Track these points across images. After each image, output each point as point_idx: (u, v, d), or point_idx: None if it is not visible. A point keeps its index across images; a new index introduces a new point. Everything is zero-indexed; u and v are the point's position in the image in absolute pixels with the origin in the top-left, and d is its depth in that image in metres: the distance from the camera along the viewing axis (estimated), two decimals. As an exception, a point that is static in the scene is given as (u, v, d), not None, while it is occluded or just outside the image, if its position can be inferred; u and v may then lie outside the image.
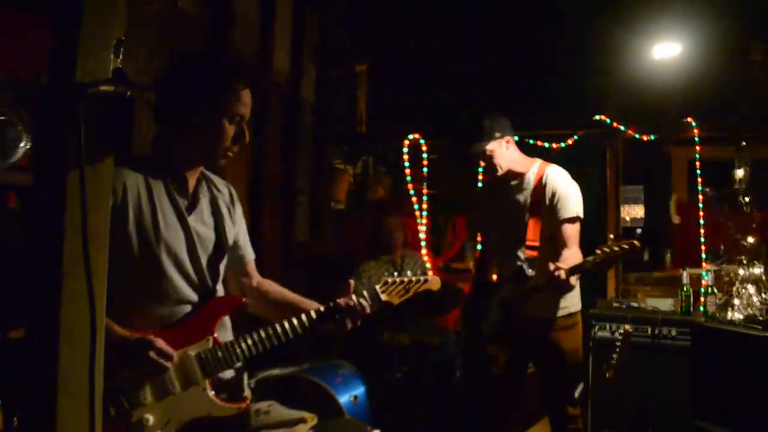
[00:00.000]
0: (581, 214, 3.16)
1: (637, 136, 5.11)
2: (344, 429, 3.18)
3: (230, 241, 2.06)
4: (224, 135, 1.87)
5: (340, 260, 5.57)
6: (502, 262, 3.41)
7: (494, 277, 3.56)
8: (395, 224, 4.77)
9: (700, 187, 5.06)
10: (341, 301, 2.06)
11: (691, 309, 4.16)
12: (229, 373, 2.00)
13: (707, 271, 4.32)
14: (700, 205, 5.00)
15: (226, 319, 2.05)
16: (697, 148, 5.02)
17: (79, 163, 1.29)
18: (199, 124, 1.86)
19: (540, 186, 3.19)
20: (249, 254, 2.20)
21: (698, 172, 5.08)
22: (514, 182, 3.30)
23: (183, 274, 1.90)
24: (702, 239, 4.94)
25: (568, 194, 3.15)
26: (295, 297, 2.19)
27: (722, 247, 4.61)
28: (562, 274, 2.81)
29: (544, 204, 3.16)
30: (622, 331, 3.07)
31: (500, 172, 3.23)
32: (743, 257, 4.22)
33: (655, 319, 3.98)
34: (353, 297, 2.08)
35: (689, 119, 4.97)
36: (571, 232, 3.12)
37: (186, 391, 1.86)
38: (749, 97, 4.72)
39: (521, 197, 3.25)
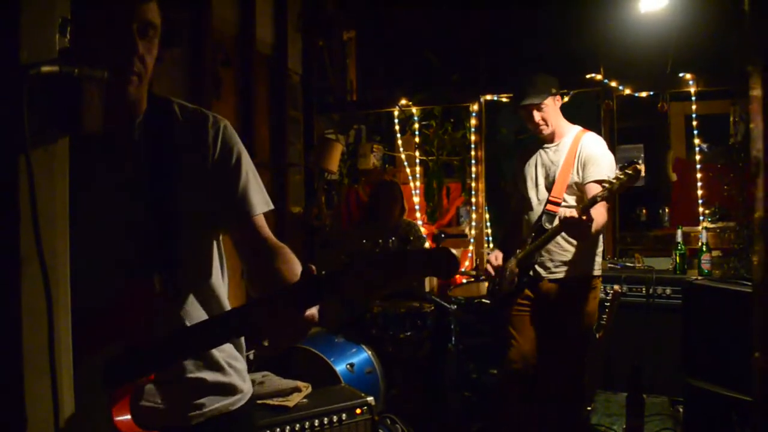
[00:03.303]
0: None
1: (629, 92, 5.04)
2: (338, 396, 3.19)
3: (198, 191, 1.52)
4: (122, 46, 1.40)
5: (335, 231, 5.58)
6: (527, 221, 3.53)
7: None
8: (394, 194, 4.74)
9: (697, 143, 5.01)
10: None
11: (686, 267, 4.14)
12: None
13: (703, 228, 4.29)
14: (698, 164, 4.95)
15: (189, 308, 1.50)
16: (693, 105, 4.95)
17: (24, 147, 1.26)
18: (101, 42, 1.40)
19: (575, 148, 3.36)
20: (252, 208, 1.56)
21: (695, 128, 5.03)
22: (553, 144, 3.47)
23: (102, 250, 1.44)
24: (699, 197, 4.90)
25: (601, 158, 3.32)
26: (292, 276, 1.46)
27: (717, 203, 4.58)
28: (573, 212, 2.95)
29: (574, 164, 3.34)
30: (611, 291, 3.06)
31: (547, 130, 3.42)
32: (740, 214, 4.19)
33: (649, 279, 3.99)
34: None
35: (686, 75, 4.89)
36: (591, 192, 3.24)
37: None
38: (743, 48, 4.61)
39: (556, 157, 3.42)
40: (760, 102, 0.74)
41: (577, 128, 3.50)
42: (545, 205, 3.37)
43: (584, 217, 2.96)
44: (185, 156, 1.52)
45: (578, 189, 3.35)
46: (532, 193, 3.48)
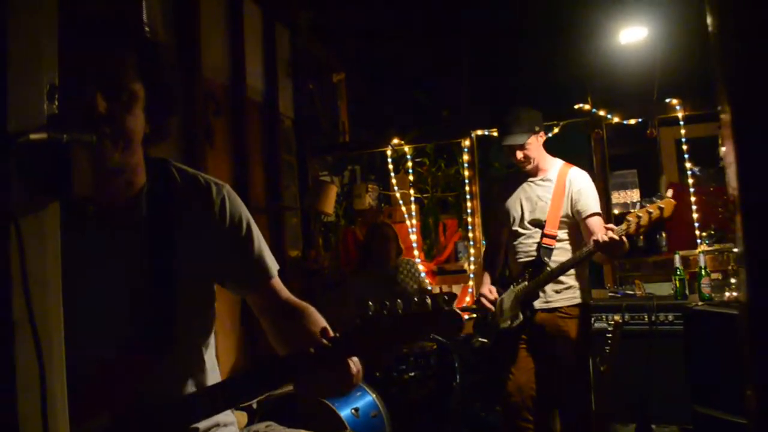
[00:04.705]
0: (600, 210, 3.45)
1: (617, 120, 5.10)
2: (343, 444, 3.16)
3: (200, 260, 1.51)
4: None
5: (334, 273, 5.57)
6: (516, 255, 3.52)
7: (507, 272, 3.66)
8: (387, 236, 4.74)
9: (688, 167, 5.05)
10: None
11: (687, 292, 4.13)
12: None
13: (701, 252, 4.28)
14: (691, 188, 4.98)
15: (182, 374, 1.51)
16: (682, 129, 5.00)
17: (14, 214, 1.27)
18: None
19: (564, 183, 3.41)
20: (269, 271, 1.61)
21: (685, 152, 5.07)
22: (537, 177, 3.51)
23: (93, 318, 1.40)
24: (695, 220, 4.91)
25: (592, 193, 3.42)
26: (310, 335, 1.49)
27: (713, 226, 4.58)
28: (613, 235, 2.99)
29: (567, 200, 3.39)
30: (612, 322, 3.05)
31: (530, 166, 3.47)
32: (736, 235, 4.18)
33: (651, 306, 3.96)
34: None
35: (673, 100, 4.95)
36: (598, 224, 3.34)
37: None
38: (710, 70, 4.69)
39: (543, 192, 3.46)
40: (730, 127, 0.75)
41: (560, 162, 3.55)
42: (540, 239, 3.39)
43: (623, 238, 3.02)
44: (191, 227, 1.51)
45: (569, 222, 3.41)
46: (516, 226, 3.52)
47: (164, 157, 1.58)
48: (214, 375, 1.59)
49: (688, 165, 5.05)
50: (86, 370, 1.34)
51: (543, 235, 3.39)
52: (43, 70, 1.40)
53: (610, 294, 4.42)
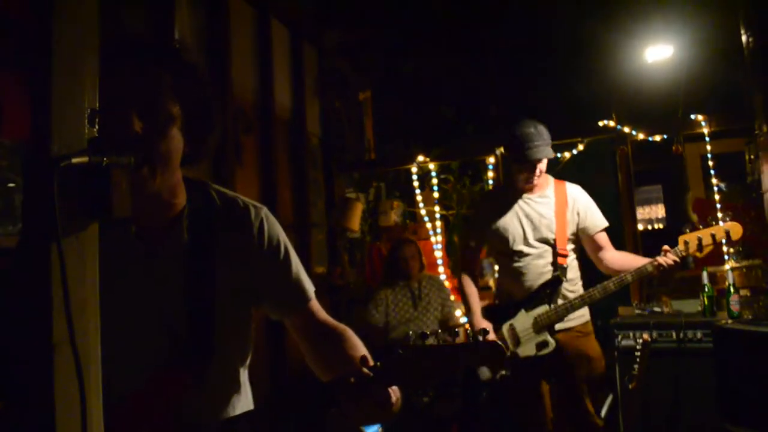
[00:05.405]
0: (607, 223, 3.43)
1: (642, 136, 5.10)
2: (370, 461, 3.16)
3: (239, 283, 1.52)
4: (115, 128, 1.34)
5: (359, 289, 5.59)
6: (522, 276, 3.36)
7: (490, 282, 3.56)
8: (410, 251, 4.77)
9: (715, 183, 5.01)
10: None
11: (715, 309, 4.08)
12: None
13: (729, 269, 4.24)
14: (717, 204, 4.94)
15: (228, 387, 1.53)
16: (708, 145, 4.97)
17: (56, 236, 1.31)
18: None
19: (564, 200, 3.34)
20: (307, 293, 1.61)
21: (711, 168, 5.04)
22: (534, 195, 3.40)
23: (133, 338, 1.42)
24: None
25: (596, 208, 3.40)
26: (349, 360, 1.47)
27: (741, 242, 4.53)
28: (676, 258, 3.03)
29: (572, 217, 3.34)
30: (640, 341, 3.03)
31: (537, 180, 3.35)
32: (765, 251, 4.14)
33: (679, 323, 3.92)
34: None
35: (698, 116, 4.93)
36: (606, 239, 3.38)
37: None
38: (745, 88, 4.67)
39: (544, 209, 3.36)
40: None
41: (551, 178, 3.47)
42: (554, 258, 3.30)
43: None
44: (230, 250, 1.51)
45: (573, 239, 3.36)
46: (520, 246, 3.35)
47: (203, 179, 1.59)
48: (247, 396, 1.60)
49: (714, 180, 5.02)
50: (123, 391, 1.36)
51: (556, 254, 3.29)
52: (84, 96, 1.44)
53: (637, 311, 4.38)
